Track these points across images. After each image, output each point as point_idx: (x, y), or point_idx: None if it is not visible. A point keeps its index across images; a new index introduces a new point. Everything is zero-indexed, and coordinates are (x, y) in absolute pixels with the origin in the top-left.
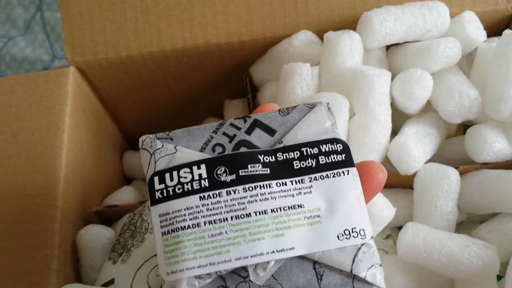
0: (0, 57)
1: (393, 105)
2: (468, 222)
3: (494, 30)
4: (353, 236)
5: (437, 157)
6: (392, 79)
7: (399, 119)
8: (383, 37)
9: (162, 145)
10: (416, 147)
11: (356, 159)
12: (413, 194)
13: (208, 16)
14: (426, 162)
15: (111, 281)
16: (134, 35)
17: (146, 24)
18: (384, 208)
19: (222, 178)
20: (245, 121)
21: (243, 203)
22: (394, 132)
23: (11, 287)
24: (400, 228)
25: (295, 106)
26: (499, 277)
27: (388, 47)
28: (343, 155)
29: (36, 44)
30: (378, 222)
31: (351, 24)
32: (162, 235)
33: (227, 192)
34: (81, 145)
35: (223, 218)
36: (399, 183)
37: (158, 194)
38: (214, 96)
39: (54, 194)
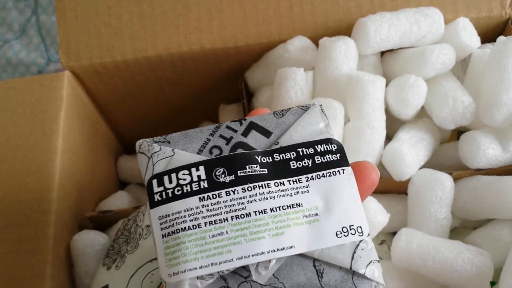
0: None
1: (387, 111)
2: (461, 228)
3: (488, 36)
4: (351, 234)
5: (431, 163)
6: (387, 85)
7: (393, 125)
8: (378, 43)
9: (160, 148)
10: (410, 153)
11: None
12: (407, 200)
13: (204, 21)
14: (420, 168)
15: (105, 287)
16: (130, 39)
17: (142, 29)
18: (378, 213)
19: (221, 179)
20: (241, 124)
21: (243, 203)
22: (389, 138)
23: None
24: (394, 234)
25: (289, 108)
26: (493, 283)
27: (382, 53)
28: (338, 155)
29: (31, 47)
30: (372, 228)
31: (346, 30)
32: (163, 237)
33: (226, 192)
34: (76, 149)
35: (224, 218)
36: (393, 189)
37: (157, 197)
38: (209, 101)
39: (48, 199)
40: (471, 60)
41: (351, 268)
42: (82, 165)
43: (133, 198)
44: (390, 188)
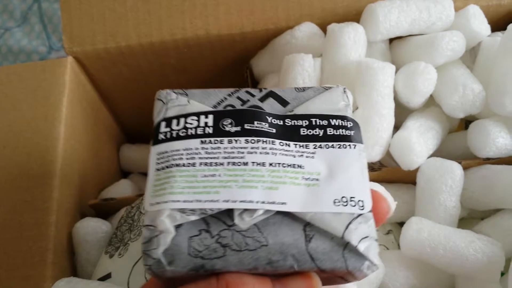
0: None
1: (395, 100)
2: (469, 218)
3: (498, 24)
4: (351, 205)
5: (439, 152)
6: (395, 72)
7: (401, 114)
8: (387, 30)
9: (177, 97)
10: (419, 142)
11: None
12: (415, 189)
13: (210, 6)
14: (428, 157)
15: (108, 275)
16: (134, 25)
17: (146, 13)
18: None
19: (227, 128)
20: (260, 91)
21: (243, 153)
22: (396, 127)
23: (5, 279)
24: (401, 224)
25: (311, 86)
26: (501, 274)
27: (391, 41)
28: (352, 132)
29: (33, 35)
30: None
31: (355, 17)
32: (156, 171)
33: (229, 140)
34: (78, 136)
35: (219, 162)
36: (400, 179)
37: (161, 136)
38: (213, 88)
39: (50, 186)
40: (481, 48)
41: (343, 237)
42: (84, 152)
43: (136, 187)
44: (397, 178)
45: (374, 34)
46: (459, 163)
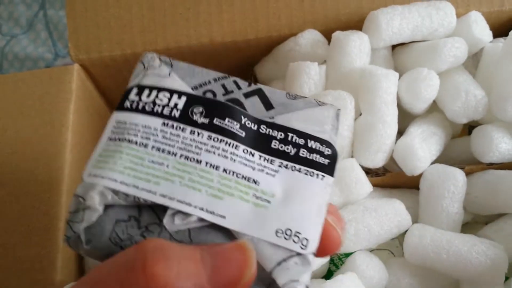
0: (2, 55)
1: (398, 106)
2: (473, 223)
3: (500, 31)
4: (293, 241)
5: (443, 158)
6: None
7: (404, 120)
8: (390, 37)
9: (159, 65)
10: (422, 148)
11: (362, 160)
12: (418, 195)
13: (214, 14)
14: (432, 163)
15: None
16: (139, 32)
17: (151, 21)
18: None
19: (195, 117)
20: (249, 85)
21: (200, 149)
22: (400, 133)
23: (14, 284)
24: None
25: (305, 97)
26: (505, 278)
27: (393, 47)
28: (327, 161)
29: (39, 42)
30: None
31: (357, 24)
32: (108, 140)
33: (191, 131)
34: (85, 143)
35: (173, 152)
36: (404, 184)
37: (127, 103)
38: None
39: (58, 191)
40: (483, 54)
41: (270, 272)
42: None
43: None
44: (401, 183)
45: (377, 41)
46: (463, 168)
